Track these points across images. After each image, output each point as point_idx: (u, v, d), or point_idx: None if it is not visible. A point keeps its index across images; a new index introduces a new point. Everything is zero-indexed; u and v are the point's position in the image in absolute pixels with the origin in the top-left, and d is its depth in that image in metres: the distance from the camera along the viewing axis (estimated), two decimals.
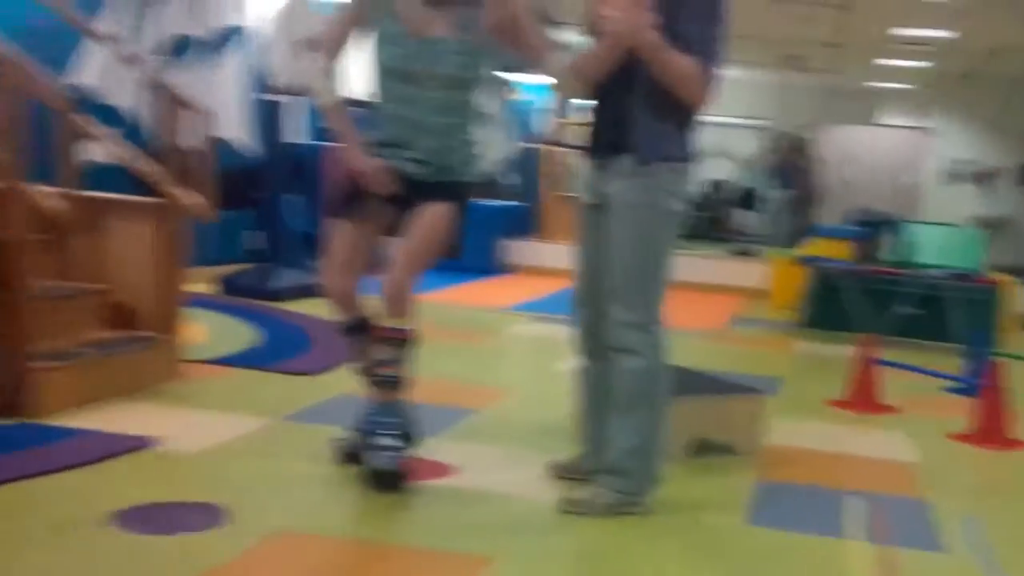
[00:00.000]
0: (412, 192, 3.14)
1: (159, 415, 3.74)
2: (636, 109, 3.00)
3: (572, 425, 3.34)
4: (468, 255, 9.66)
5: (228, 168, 7.81)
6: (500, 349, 5.91)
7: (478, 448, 3.60)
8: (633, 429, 3.00)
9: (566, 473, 3.29)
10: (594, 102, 3.15)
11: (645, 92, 2.98)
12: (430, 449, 3.32)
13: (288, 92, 7.17)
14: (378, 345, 3.12)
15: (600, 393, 3.14)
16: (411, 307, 3.11)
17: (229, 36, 7.70)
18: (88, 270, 4.45)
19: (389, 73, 3.14)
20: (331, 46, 3.17)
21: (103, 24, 5.96)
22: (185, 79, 7.13)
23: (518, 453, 3.55)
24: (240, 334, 5.41)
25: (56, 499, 2.80)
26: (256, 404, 3.97)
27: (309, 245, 8.19)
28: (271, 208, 7.26)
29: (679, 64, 2.90)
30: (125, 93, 6.11)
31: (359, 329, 3.20)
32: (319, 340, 5.31)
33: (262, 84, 7.33)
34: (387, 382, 3.12)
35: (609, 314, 3.01)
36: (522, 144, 10.57)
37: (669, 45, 2.90)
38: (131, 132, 6.33)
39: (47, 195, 4.20)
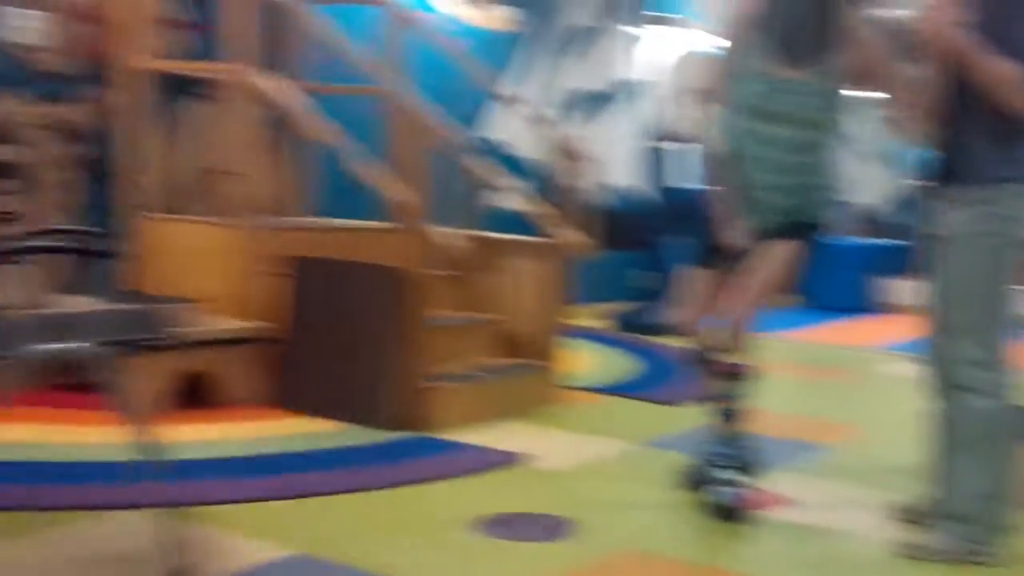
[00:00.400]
0: (762, 233, 3.25)
1: (533, 435, 4.11)
2: (967, 129, 2.84)
3: (921, 466, 3.27)
4: (838, 293, 9.59)
5: (620, 212, 8.26)
6: (858, 387, 5.86)
7: (820, 483, 3.66)
8: (977, 473, 2.89)
9: (907, 515, 3.24)
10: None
11: (975, 109, 2.81)
12: (773, 481, 3.45)
13: (678, 139, 7.49)
14: (716, 379, 3.29)
15: (947, 434, 3.03)
16: (746, 343, 3.26)
17: (624, 88, 8.16)
18: (484, 303, 4.98)
19: (749, 111, 3.20)
20: (711, 96, 3.32)
21: (507, 83, 6.60)
22: (582, 130, 7.67)
23: (860, 491, 3.58)
24: (619, 365, 5.78)
25: (437, 502, 3.21)
26: (621, 429, 4.26)
27: None
28: (659, 249, 7.58)
29: (997, 69, 2.71)
30: (524, 144, 6.72)
31: (707, 360, 3.38)
32: (691, 372, 5.58)
33: (655, 132, 7.69)
34: (724, 415, 3.27)
35: (952, 351, 2.91)
36: (906, 180, 10.29)
37: (990, 48, 2.71)
38: (528, 178, 6.94)
39: (451, 236, 4.74)
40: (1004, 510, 2.96)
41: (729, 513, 3.17)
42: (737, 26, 3.22)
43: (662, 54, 7.60)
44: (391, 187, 4.41)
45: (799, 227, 3.27)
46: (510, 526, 3.02)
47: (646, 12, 8.34)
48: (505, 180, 5.16)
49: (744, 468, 3.26)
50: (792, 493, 3.50)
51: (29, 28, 4.44)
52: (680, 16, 8.53)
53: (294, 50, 5.36)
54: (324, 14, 4.51)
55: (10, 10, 4.37)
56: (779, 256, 3.24)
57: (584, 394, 4.91)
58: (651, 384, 5.28)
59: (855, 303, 9.55)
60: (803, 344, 7.21)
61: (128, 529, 2.78)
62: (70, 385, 4.23)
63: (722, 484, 3.20)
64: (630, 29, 8.23)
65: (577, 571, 2.73)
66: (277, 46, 4.94)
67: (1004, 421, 2.93)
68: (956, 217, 2.89)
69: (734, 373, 3.25)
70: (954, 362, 2.91)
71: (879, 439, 4.40)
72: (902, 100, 3.13)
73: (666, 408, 4.73)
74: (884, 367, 6.38)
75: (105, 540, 2.73)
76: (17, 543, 2.66)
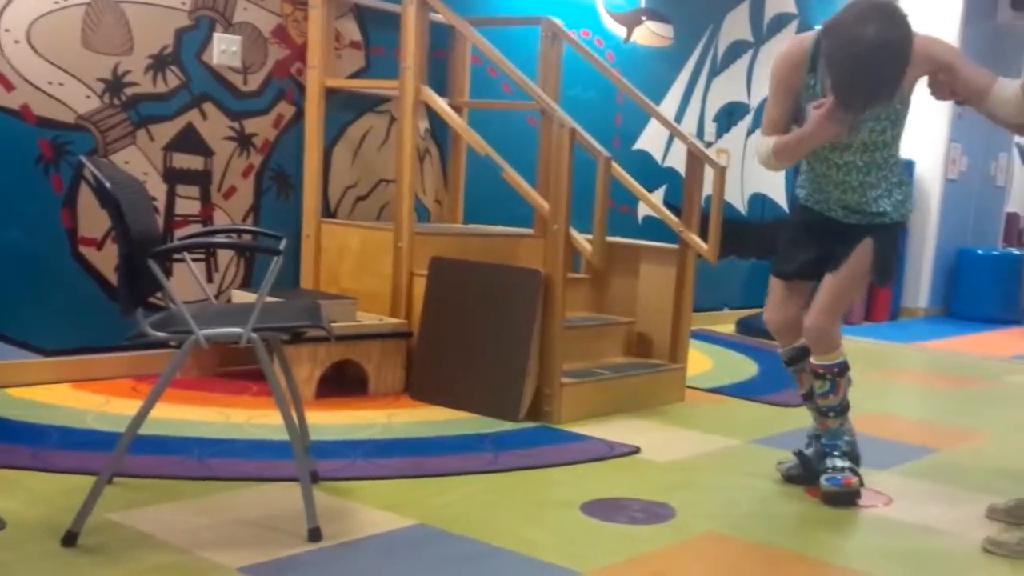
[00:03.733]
0: (836, 237, 3.37)
1: (651, 430, 4.26)
2: None
3: None
4: (984, 304, 9.34)
5: (762, 221, 8.31)
6: (990, 396, 5.75)
7: (924, 484, 3.70)
8: None
9: (1002, 516, 3.28)
10: None
11: None
12: (877, 480, 3.56)
13: None
14: (813, 379, 3.45)
15: None
16: (834, 343, 3.37)
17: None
18: (620, 305, 5.17)
19: None
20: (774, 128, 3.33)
21: (656, 97, 6.75)
22: (723, 141, 7.75)
23: (964, 493, 3.60)
24: (742, 368, 5.87)
25: (552, 486, 3.39)
26: (733, 428, 4.38)
27: None
28: None
29: None
30: (665, 154, 6.87)
31: (797, 360, 3.54)
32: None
33: None
34: (824, 412, 3.46)
35: None
36: None
37: None
38: (664, 186, 7.08)
39: (590, 241, 4.93)
40: None
41: (839, 498, 3.36)
42: None
43: None
44: (537, 196, 4.64)
45: (870, 227, 3.35)
46: (613, 509, 3.18)
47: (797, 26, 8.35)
48: (642, 189, 5.32)
49: (851, 456, 3.48)
50: (892, 491, 3.57)
51: (229, 51, 4.83)
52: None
53: (458, 67, 5.65)
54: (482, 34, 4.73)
55: (216, 36, 4.76)
56: (855, 257, 3.34)
57: (706, 394, 5.04)
58: (767, 386, 5.35)
59: (1001, 314, 9.32)
60: (944, 353, 7.16)
61: (279, 497, 3.07)
62: (234, 371, 4.65)
63: (833, 471, 3.41)
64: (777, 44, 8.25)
65: (661, 549, 2.88)
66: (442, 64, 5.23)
67: None
68: None
69: (827, 373, 3.39)
70: None
71: (998, 446, 4.39)
72: (987, 98, 3.12)
73: (780, 409, 4.82)
74: (1019, 377, 6.29)
75: (259, 506, 3.00)
76: (189, 505, 2.96)
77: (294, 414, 2.99)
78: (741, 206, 8.11)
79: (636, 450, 3.89)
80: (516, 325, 4.25)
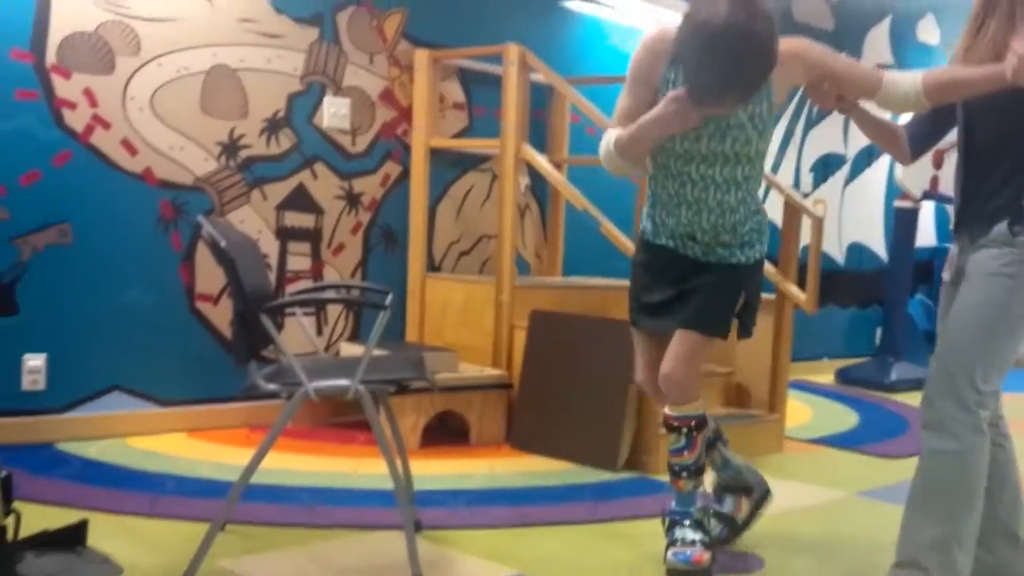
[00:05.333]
0: (693, 272, 2.95)
1: None
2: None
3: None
4: None
5: (861, 270, 8.15)
6: None
7: None
8: (938, 520, 2.57)
9: None
10: (963, 166, 2.74)
11: None
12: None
13: (915, 198, 7.29)
14: (668, 432, 3.04)
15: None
16: (692, 394, 2.95)
17: (864, 150, 8.05)
18: (718, 355, 5.07)
19: (667, 151, 2.86)
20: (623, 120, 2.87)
21: None
22: (819, 191, 7.63)
23: None
24: (842, 418, 5.72)
25: (648, 536, 3.28)
26: (835, 479, 4.25)
27: (930, 343, 8.22)
28: (893, 307, 7.41)
29: None
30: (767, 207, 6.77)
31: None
32: (915, 428, 5.45)
33: (896, 191, 7.54)
34: (677, 472, 3.02)
35: (928, 385, 2.60)
36: None
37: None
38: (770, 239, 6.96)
39: None
40: (963, 561, 2.59)
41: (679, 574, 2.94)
42: None
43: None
44: (629, 247, 4.62)
45: (722, 270, 2.96)
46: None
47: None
48: None
49: (700, 527, 3.04)
50: None
51: (339, 114, 4.94)
52: None
53: (557, 125, 5.69)
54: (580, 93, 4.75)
55: (327, 99, 4.88)
56: (704, 304, 2.94)
57: (804, 444, 4.92)
58: (869, 436, 5.20)
59: None
60: None
61: (384, 545, 3.07)
62: (343, 422, 4.70)
63: (679, 544, 2.98)
64: None
65: None
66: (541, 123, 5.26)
67: (977, 468, 2.58)
68: (979, 256, 2.63)
69: (681, 426, 2.99)
70: (929, 396, 2.62)
71: None
72: (879, 90, 2.75)
73: (883, 460, 4.67)
74: None
75: (365, 554, 3.01)
76: (298, 553, 2.98)
77: (399, 463, 3.00)
78: (839, 256, 7.95)
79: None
80: (614, 376, 4.21)
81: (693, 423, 2.98)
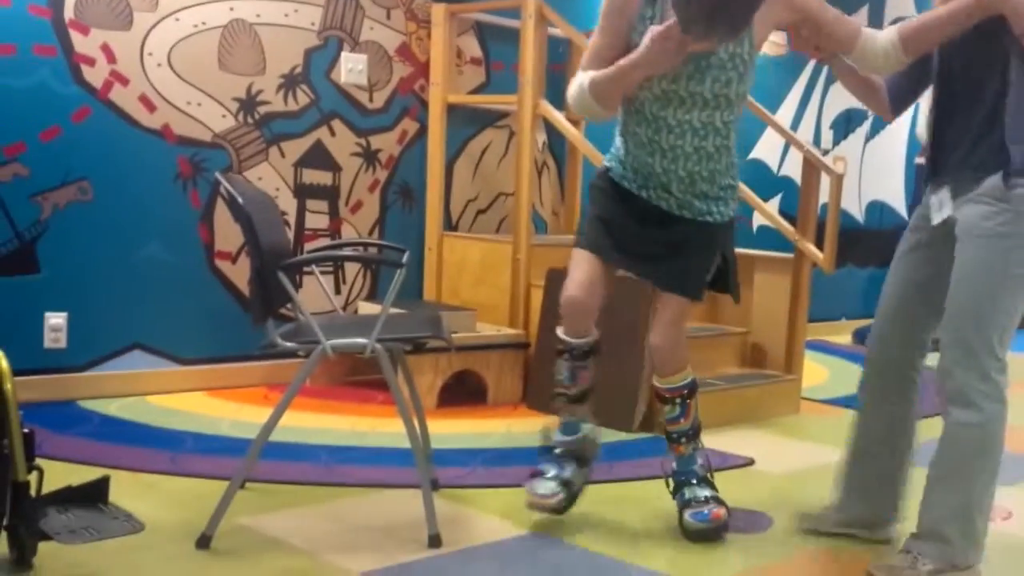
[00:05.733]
0: (665, 226, 2.86)
1: (766, 441, 4.18)
2: (1006, 111, 2.51)
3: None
4: None
5: (881, 228, 8.09)
6: None
7: None
8: (960, 490, 2.60)
9: (813, 526, 3.02)
10: (937, 109, 2.68)
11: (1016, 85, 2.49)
12: (998, 495, 3.37)
13: None
14: (660, 404, 3.04)
15: (881, 439, 2.88)
16: (684, 362, 2.97)
17: None
18: (734, 315, 5.07)
19: (643, 93, 2.74)
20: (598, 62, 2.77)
21: (772, 106, 6.63)
22: (839, 149, 7.58)
23: None
24: (855, 378, 5.69)
25: (663, 496, 3.26)
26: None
27: None
28: None
29: None
30: (780, 162, 6.74)
31: (590, 355, 2.99)
32: (933, 388, 5.44)
33: (918, 148, 7.47)
34: (676, 438, 3.02)
35: (942, 356, 2.60)
36: None
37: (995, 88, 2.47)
38: (780, 195, 6.95)
39: None
40: (982, 527, 2.66)
41: (705, 535, 2.94)
42: None
43: None
44: None
45: (701, 230, 2.90)
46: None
47: None
48: (758, 198, 5.21)
49: (708, 483, 3.03)
50: (1017, 506, 3.42)
51: (356, 70, 4.91)
52: None
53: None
54: None
55: (344, 55, 4.86)
56: (685, 274, 2.93)
57: (821, 405, 4.92)
58: None
59: None
60: None
61: (401, 503, 3.10)
62: (361, 381, 4.72)
63: (693, 504, 2.98)
64: None
65: (771, 564, 2.83)
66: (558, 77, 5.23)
67: (996, 438, 2.60)
68: (971, 212, 2.60)
69: (669, 397, 3.01)
70: (946, 369, 2.63)
71: None
72: (855, 48, 2.75)
73: None
74: None
75: (382, 512, 3.04)
76: (315, 510, 3.01)
77: (416, 423, 3.02)
78: (859, 214, 7.91)
79: (750, 461, 3.82)
80: (631, 337, 4.21)
81: (685, 391, 2.97)
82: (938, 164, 2.72)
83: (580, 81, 2.76)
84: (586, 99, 2.75)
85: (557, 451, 3.04)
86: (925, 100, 2.97)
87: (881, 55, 2.68)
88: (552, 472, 3.01)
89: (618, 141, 2.91)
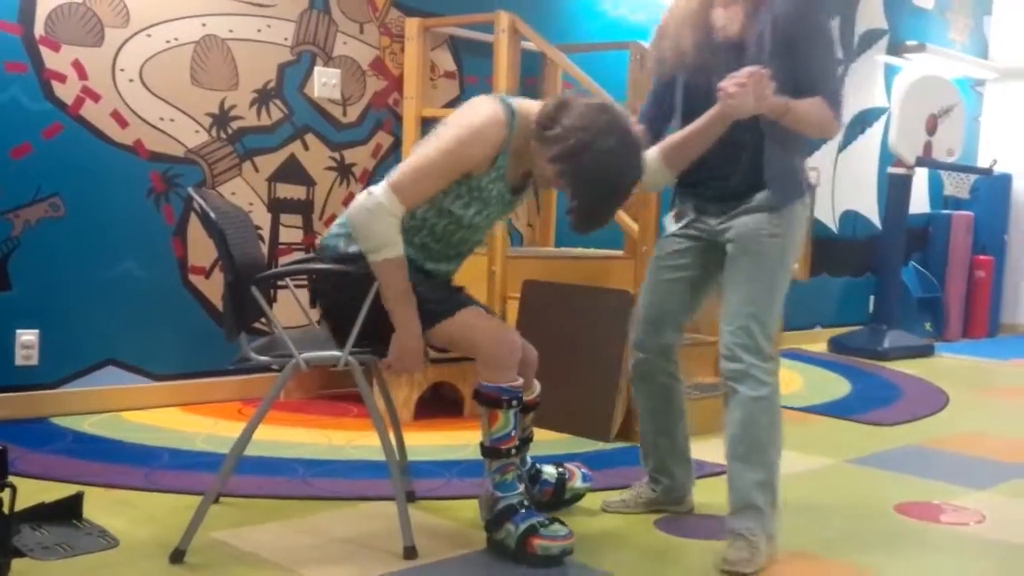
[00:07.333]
0: None
1: None
2: (766, 154, 2.84)
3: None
4: None
5: (854, 238, 8.17)
6: None
7: (1020, 503, 3.61)
8: (760, 463, 2.86)
9: (617, 508, 3.28)
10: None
11: (773, 137, 2.83)
12: (970, 500, 3.44)
13: (909, 164, 7.31)
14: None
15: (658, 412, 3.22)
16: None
17: (868, 116, 8.07)
18: (707, 324, 5.08)
19: (456, 221, 2.86)
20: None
21: None
22: (819, 161, 7.63)
23: None
24: (835, 387, 5.76)
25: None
26: (826, 447, 4.29)
27: (923, 310, 8.26)
28: (887, 274, 7.44)
29: (808, 112, 2.75)
30: None
31: None
32: (908, 396, 5.51)
33: (890, 158, 7.55)
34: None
35: (727, 342, 2.86)
36: None
37: (790, 90, 2.73)
38: None
39: None
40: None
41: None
42: None
43: (899, 80, 7.43)
44: (626, 218, 4.64)
45: None
46: (686, 526, 3.18)
47: (896, 41, 8.23)
48: None
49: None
50: (989, 511, 3.47)
51: (330, 84, 4.93)
52: (915, 42, 8.34)
53: (549, 94, 5.67)
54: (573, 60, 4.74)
55: (318, 69, 4.87)
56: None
57: (795, 413, 4.95)
58: (864, 406, 5.24)
59: None
60: None
61: (377, 516, 3.10)
62: (340, 393, 4.72)
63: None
64: (881, 58, 8.13)
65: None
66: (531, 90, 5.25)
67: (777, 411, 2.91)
68: (747, 220, 2.93)
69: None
70: (730, 352, 2.89)
71: None
72: None
73: (874, 429, 4.71)
74: None
75: (359, 524, 3.03)
76: (291, 524, 3.01)
77: (392, 435, 3.03)
78: (833, 224, 7.97)
79: (717, 469, 3.82)
80: (607, 346, 4.23)
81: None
82: (691, 193, 3.05)
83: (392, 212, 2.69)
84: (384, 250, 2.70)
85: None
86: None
87: (658, 177, 2.95)
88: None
89: (418, 238, 2.89)
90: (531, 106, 2.81)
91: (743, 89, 2.63)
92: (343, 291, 2.80)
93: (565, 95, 2.78)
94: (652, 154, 2.91)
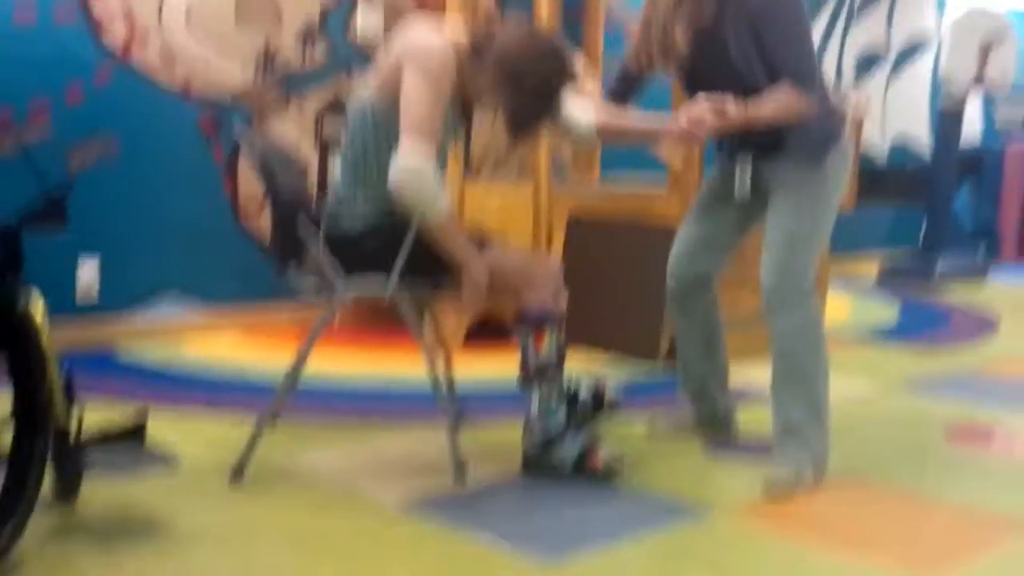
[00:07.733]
0: None
1: None
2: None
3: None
4: None
5: (907, 166, 8.07)
6: None
7: None
8: (805, 391, 2.93)
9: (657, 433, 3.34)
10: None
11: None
12: (1007, 422, 3.45)
13: (961, 96, 7.20)
14: None
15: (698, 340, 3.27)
16: None
17: (918, 46, 7.92)
18: (757, 253, 5.09)
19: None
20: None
21: None
22: (862, 88, 7.53)
23: None
24: (881, 313, 5.75)
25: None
26: (876, 373, 4.31)
27: (976, 238, 8.19)
28: (939, 202, 7.36)
29: (774, 109, 2.77)
30: None
31: None
32: (955, 321, 5.50)
33: (942, 88, 7.44)
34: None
35: (766, 274, 2.95)
36: None
37: (760, 78, 2.78)
38: None
39: None
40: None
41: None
42: None
43: (949, 12, 7.30)
44: (670, 156, 4.65)
45: None
46: (736, 448, 3.22)
47: None
48: None
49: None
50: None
51: (369, 25, 4.97)
52: None
53: (592, 23, 5.65)
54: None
55: (361, 8, 4.90)
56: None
57: (843, 339, 4.96)
58: (912, 331, 5.25)
59: None
60: None
61: (428, 440, 3.20)
62: (384, 322, 4.78)
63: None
64: None
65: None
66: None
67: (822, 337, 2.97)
68: (787, 168, 2.96)
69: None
70: (774, 286, 2.97)
71: None
72: None
73: (924, 354, 4.71)
74: None
75: (410, 448, 3.14)
76: (346, 448, 3.11)
77: (441, 362, 3.10)
78: (883, 153, 7.89)
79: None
80: (653, 278, 4.26)
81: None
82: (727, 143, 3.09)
83: (434, 184, 2.71)
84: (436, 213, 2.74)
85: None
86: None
87: (585, 133, 3.04)
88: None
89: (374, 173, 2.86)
90: (457, 32, 2.89)
91: (699, 126, 2.75)
92: (390, 241, 2.84)
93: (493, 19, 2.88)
94: (590, 113, 3.00)
